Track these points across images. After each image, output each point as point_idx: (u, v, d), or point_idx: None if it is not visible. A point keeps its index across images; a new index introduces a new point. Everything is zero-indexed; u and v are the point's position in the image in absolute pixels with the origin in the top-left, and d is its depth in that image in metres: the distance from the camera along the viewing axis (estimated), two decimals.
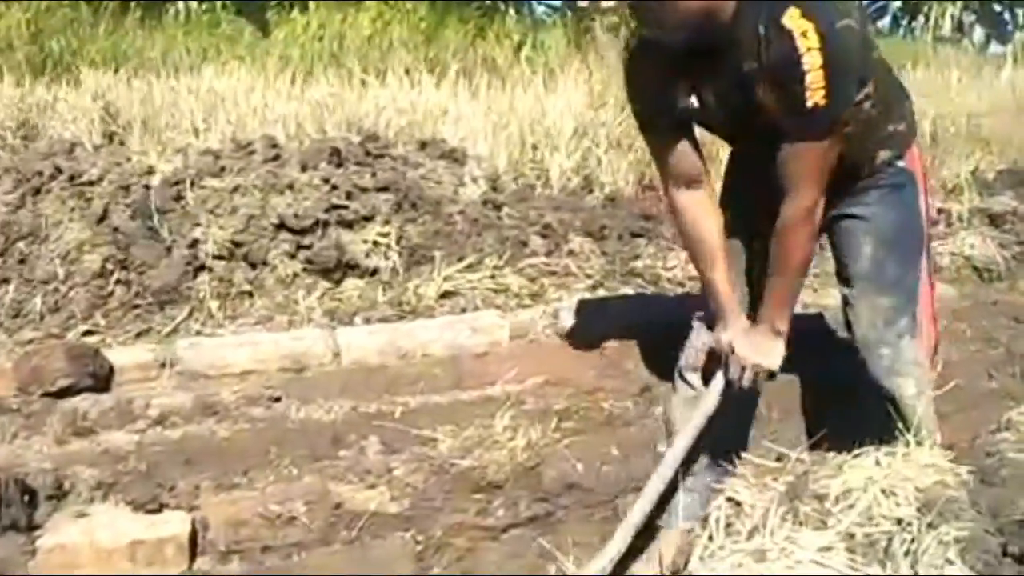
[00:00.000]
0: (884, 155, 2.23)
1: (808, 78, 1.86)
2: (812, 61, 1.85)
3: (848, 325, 2.34)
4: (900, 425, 2.19)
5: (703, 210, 2.20)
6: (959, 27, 10.30)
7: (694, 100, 2.08)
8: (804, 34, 1.85)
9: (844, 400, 2.46)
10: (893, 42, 8.79)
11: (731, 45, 1.96)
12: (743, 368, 2.16)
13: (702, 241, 2.21)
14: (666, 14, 1.91)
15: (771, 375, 2.20)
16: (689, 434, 2.22)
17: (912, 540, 1.74)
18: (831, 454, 2.04)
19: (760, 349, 2.16)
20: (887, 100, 2.20)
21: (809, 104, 1.88)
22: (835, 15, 1.89)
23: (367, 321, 3.18)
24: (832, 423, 2.50)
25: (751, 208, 2.19)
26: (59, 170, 3.53)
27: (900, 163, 2.25)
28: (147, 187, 3.49)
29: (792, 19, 1.86)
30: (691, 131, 2.17)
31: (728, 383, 2.20)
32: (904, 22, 10.84)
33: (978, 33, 10.45)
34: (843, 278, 2.33)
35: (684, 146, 2.16)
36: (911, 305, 2.30)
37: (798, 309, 2.32)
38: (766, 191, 2.05)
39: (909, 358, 2.30)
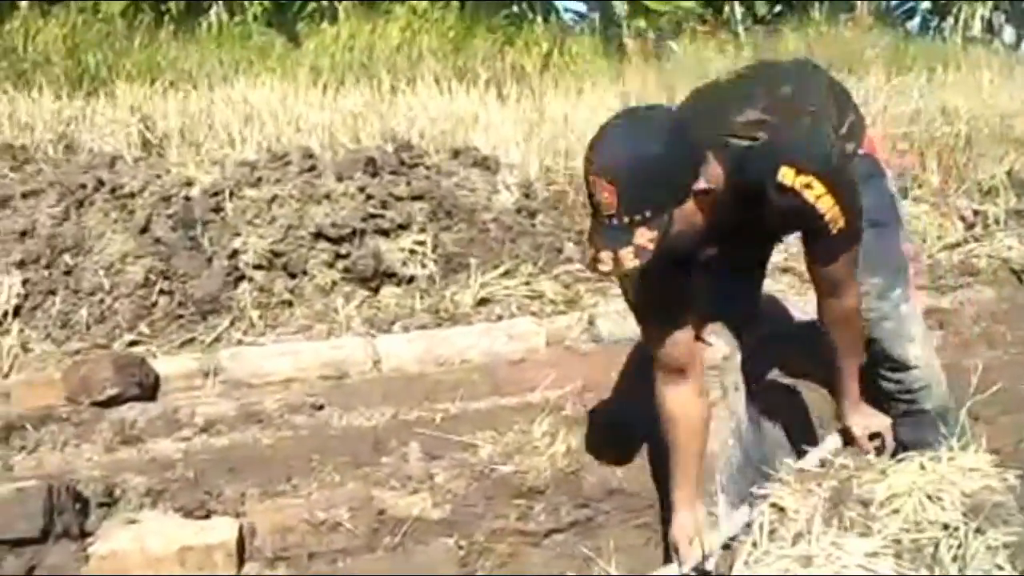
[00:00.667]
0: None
1: (827, 216, 1.99)
2: (825, 203, 1.97)
3: None
4: (916, 386, 2.37)
5: (687, 407, 2.21)
6: (989, 27, 10.21)
7: (712, 250, 2.14)
8: (808, 186, 1.95)
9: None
10: (923, 44, 8.71)
11: (734, 201, 1.99)
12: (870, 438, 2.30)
13: (678, 441, 2.22)
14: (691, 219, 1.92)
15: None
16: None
17: (959, 546, 1.75)
18: (874, 458, 2.04)
19: (869, 418, 2.33)
20: (844, 111, 2.28)
21: (835, 231, 2.02)
22: (820, 148, 2.03)
23: (405, 329, 3.21)
24: None
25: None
26: (101, 183, 3.59)
27: (860, 151, 2.30)
28: (187, 198, 3.55)
29: (788, 178, 1.95)
30: (690, 318, 2.19)
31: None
32: (933, 24, 10.76)
33: (1008, 33, 10.35)
34: None
35: (683, 334, 2.17)
36: (902, 274, 2.38)
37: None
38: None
39: (912, 321, 2.39)
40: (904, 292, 2.38)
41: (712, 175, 1.93)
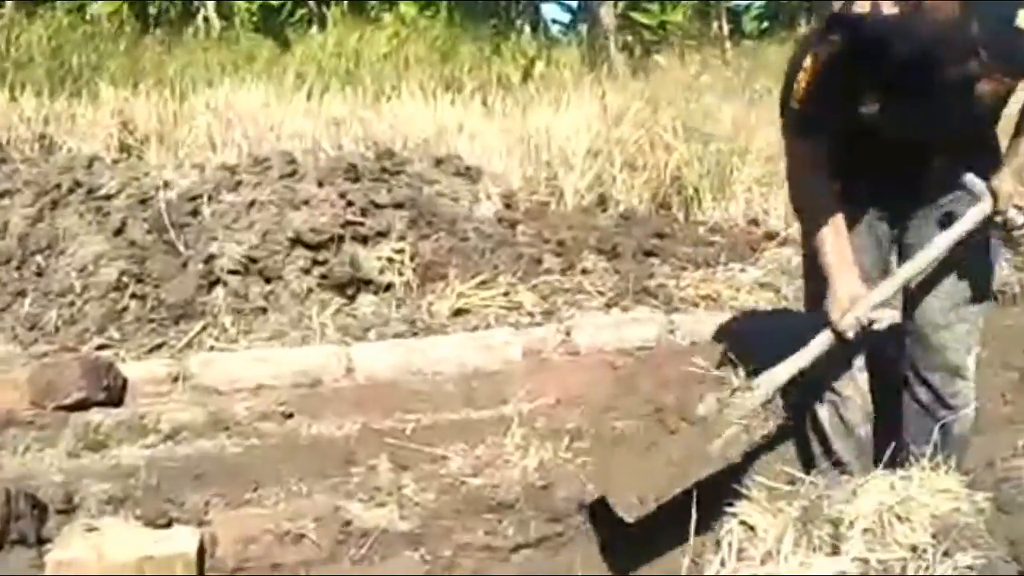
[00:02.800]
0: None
1: None
2: None
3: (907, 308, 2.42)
4: (955, 401, 2.35)
5: (834, 208, 2.28)
6: None
7: (875, 106, 2.12)
8: None
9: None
10: None
11: (954, 47, 1.97)
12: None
13: (827, 206, 2.28)
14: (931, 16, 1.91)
15: None
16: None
17: (927, 568, 1.73)
18: (845, 477, 2.02)
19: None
20: None
21: None
22: None
23: (380, 337, 3.17)
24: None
25: (889, 195, 2.31)
26: (78, 184, 3.56)
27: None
28: (164, 202, 3.51)
29: None
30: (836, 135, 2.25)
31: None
32: None
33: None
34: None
35: (826, 148, 2.25)
36: (983, 291, 2.39)
37: None
38: (913, 181, 2.24)
39: (976, 336, 2.40)
40: (976, 311, 2.39)
41: None
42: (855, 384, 2.44)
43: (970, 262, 2.34)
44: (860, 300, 2.22)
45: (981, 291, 2.37)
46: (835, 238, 2.27)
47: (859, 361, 2.44)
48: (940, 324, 2.36)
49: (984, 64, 1.99)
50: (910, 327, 2.42)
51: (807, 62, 2.12)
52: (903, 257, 2.41)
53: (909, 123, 2.16)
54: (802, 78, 2.14)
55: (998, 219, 2.28)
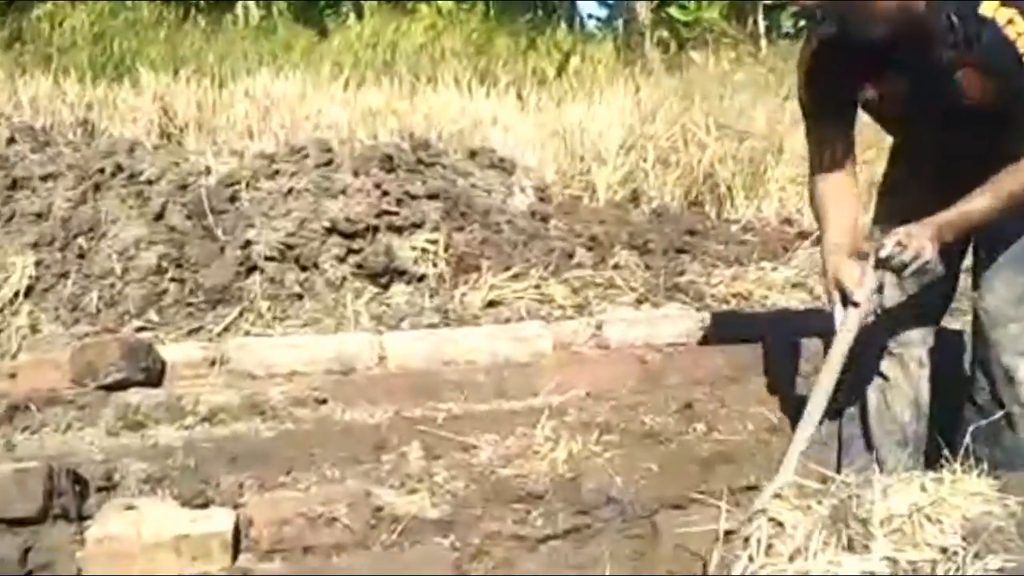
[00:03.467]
0: None
1: None
2: None
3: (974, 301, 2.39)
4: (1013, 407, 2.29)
5: (842, 191, 2.34)
6: None
7: (873, 92, 2.19)
8: (1010, 21, 1.96)
9: None
10: None
11: (924, 37, 2.05)
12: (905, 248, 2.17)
13: (839, 216, 2.33)
14: (865, 13, 2.01)
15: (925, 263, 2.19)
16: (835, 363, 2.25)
17: (957, 569, 1.73)
18: (877, 477, 2.02)
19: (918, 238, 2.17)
20: None
21: None
22: None
23: (413, 327, 3.21)
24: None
25: (929, 187, 2.29)
26: (120, 168, 3.62)
27: None
28: (203, 187, 3.56)
29: (991, 9, 1.97)
30: (852, 122, 2.33)
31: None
32: None
33: None
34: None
35: (842, 135, 2.33)
36: None
37: None
38: (945, 172, 2.21)
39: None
40: None
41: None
42: (904, 370, 2.43)
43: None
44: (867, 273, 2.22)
45: None
46: (831, 226, 2.33)
47: (913, 351, 2.44)
48: (1011, 316, 2.29)
49: (956, 52, 2.03)
50: (978, 323, 2.37)
51: (803, 52, 2.29)
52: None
53: (912, 112, 2.22)
54: (801, 67, 2.29)
55: (882, 254, 2.17)
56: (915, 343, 2.46)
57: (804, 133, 2.46)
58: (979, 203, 2.16)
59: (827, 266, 2.31)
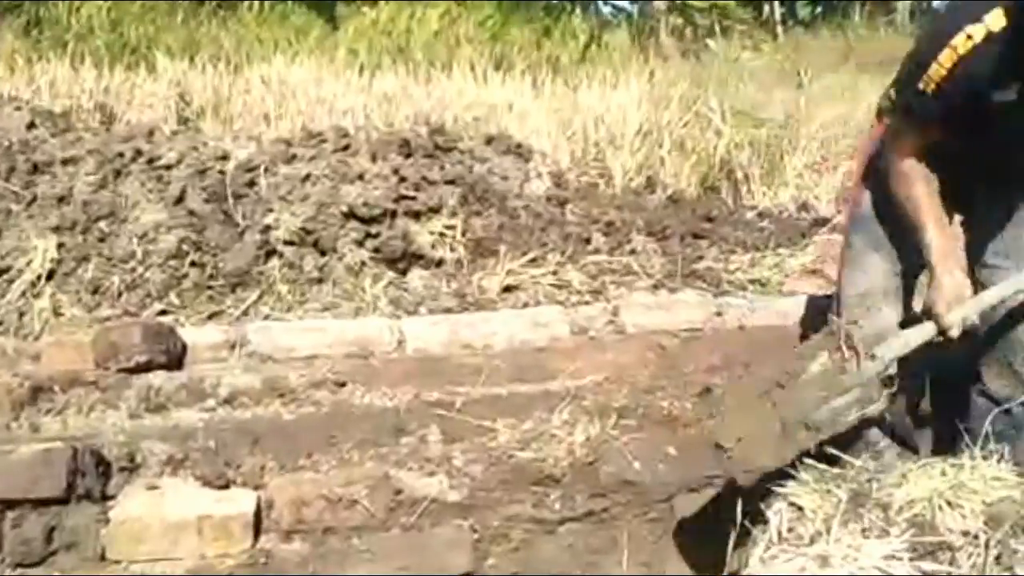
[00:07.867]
0: None
1: None
2: None
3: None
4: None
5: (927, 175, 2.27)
6: None
7: (1013, 92, 2.07)
8: None
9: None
10: None
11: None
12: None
13: (930, 195, 2.26)
14: None
15: None
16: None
17: (977, 554, 1.73)
18: (896, 462, 2.03)
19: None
20: None
21: None
22: None
23: (431, 311, 3.22)
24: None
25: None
26: (139, 153, 3.63)
27: None
28: (222, 172, 3.58)
29: None
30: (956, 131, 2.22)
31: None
32: None
33: None
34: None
35: (938, 130, 2.22)
36: None
37: None
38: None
39: None
40: None
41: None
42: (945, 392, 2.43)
43: None
44: (969, 300, 2.15)
45: None
46: (938, 230, 2.22)
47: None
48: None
49: None
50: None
51: (958, 41, 2.05)
52: None
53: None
54: (946, 59, 2.08)
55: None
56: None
57: (891, 132, 2.33)
58: None
59: (944, 281, 2.18)
